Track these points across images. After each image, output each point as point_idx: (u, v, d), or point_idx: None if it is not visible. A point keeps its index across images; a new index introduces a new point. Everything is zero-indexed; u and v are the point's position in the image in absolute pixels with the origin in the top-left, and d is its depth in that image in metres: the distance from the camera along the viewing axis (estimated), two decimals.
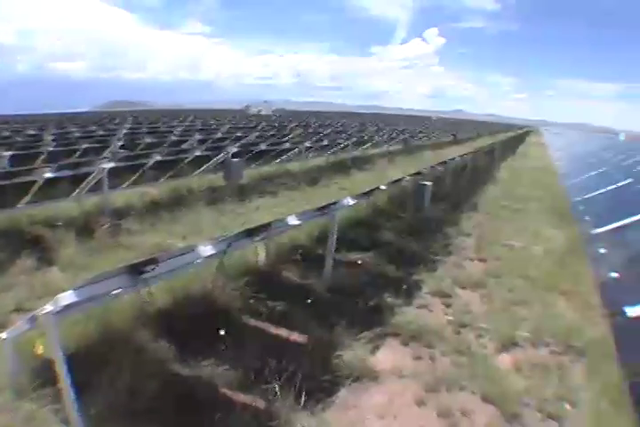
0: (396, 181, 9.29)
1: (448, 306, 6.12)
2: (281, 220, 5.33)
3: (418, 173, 10.68)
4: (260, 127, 28.82)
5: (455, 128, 58.71)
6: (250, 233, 4.88)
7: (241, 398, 4.02)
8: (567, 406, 4.28)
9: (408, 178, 9.85)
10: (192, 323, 4.76)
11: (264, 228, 5.01)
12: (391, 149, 27.11)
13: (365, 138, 24.70)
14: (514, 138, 47.49)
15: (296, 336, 5.05)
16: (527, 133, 75.69)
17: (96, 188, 9.03)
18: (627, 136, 73.53)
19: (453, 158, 14.99)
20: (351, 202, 6.64)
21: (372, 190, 7.71)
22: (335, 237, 6.26)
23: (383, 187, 8.14)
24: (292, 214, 5.49)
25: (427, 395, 4.31)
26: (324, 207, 5.93)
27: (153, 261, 3.60)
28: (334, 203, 6.14)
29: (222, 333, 4.63)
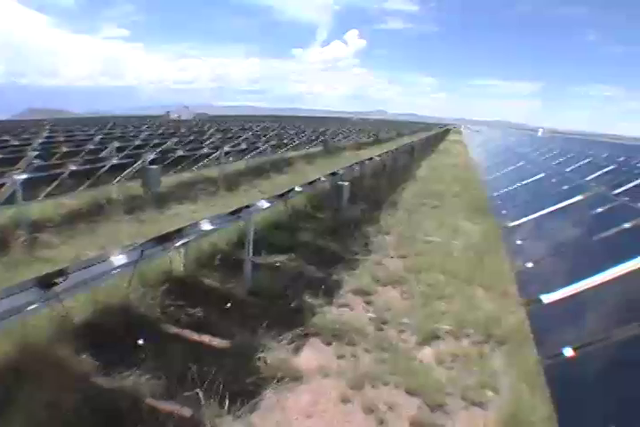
0: (312, 182, 9.29)
1: (369, 304, 6.13)
2: (194, 225, 5.19)
3: (334, 174, 10.71)
4: (179, 133, 28.32)
5: (376, 128, 59.51)
6: (162, 240, 4.72)
7: (165, 406, 3.88)
8: (489, 393, 4.39)
9: (324, 179, 9.87)
10: (112, 334, 4.58)
11: (176, 234, 4.86)
12: (311, 151, 27.16)
13: (285, 141, 24.61)
14: (434, 136, 48.54)
15: (217, 341, 4.94)
16: (447, 132, 77.56)
17: (10, 200, 8.56)
18: (543, 132, 76.60)
19: (371, 158, 15.13)
20: (266, 205, 6.57)
21: (286, 192, 7.67)
22: (252, 240, 6.17)
23: (298, 188, 8.12)
24: (204, 219, 5.37)
25: (352, 392, 4.29)
26: (237, 211, 5.84)
27: (62, 272, 3.42)
28: (248, 206, 6.05)
29: (141, 342, 4.47)
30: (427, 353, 5.03)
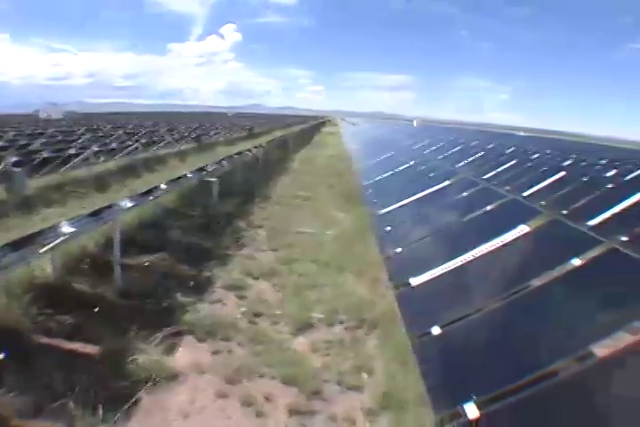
0: (177, 178, 9.10)
1: (242, 298, 6.05)
2: (52, 228, 4.89)
3: (202, 169, 10.54)
4: (47, 133, 26.70)
5: (252, 123, 59.07)
6: (21, 245, 4.42)
7: (34, 425, 3.61)
8: (364, 375, 4.46)
9: (190, 175, 9.69)
10: None
11: (32, 238, 4.56)
12: (183, 147, 26.47)
13: (156, 138, 23.89)
14: (310, 129, 48.74)
15: (89, 348, 4.66)
16: (324, 124, 78.24)
17: None
18: (418, 122, 79.41)
19: (240, 153, 15.01)
20: (129, 204, 6.34)
21: (149, 190, 7.46)
22: (120, 241, 5.91)
23: (163, 186, 7.91)
24: (65, 222, 5.09)
25: (229, 387, 4.21)
26: (98, 211, 5.59)
27: None
28: (110, 206, 5.81)
29: (1, 357, 4.14)
30: (301, 342, 5.04)
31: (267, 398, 4.08)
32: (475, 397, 3.28)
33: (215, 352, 4.76)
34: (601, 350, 3.24)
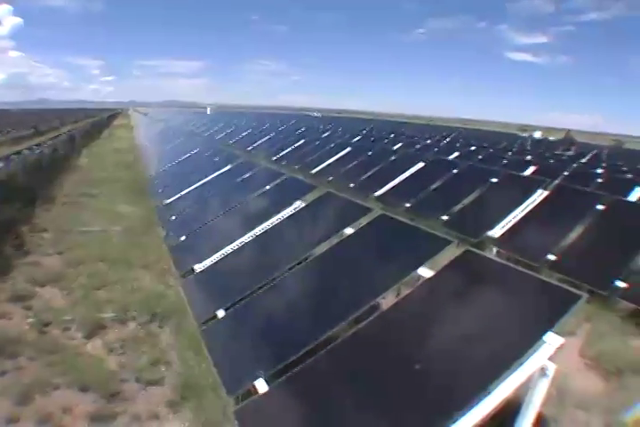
0: None
1: (29, 309, 5.72)
2: None
3: None
4: None
5: (37, 119, 54.65)
6: None
7: None
8: (162, 368, 4.53)
9: None
10: None
11: None
12: None
13: None
14: (100, 122, 46.51)
15: None
16: (115, 116, 74.63)
17: None
18: (211, 109, 78.85)
19: (19, 152, 14.02)
20: None
21: None
22: None
23: None
24: None
25: (20, 408, 3.99)
26: None
27: None
28: None
29: None
30: (95, 345, 4.93)
31: (64, 410, 3.96)
32: (263, 372, 3.48)
33: (2, 373, 4.51)
34: (384, 302, 3.66)
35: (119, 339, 5.01)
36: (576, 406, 4.31)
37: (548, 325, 2.66)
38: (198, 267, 5.63)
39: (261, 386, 3.39)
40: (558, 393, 4.36)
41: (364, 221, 4.78)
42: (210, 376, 4.01)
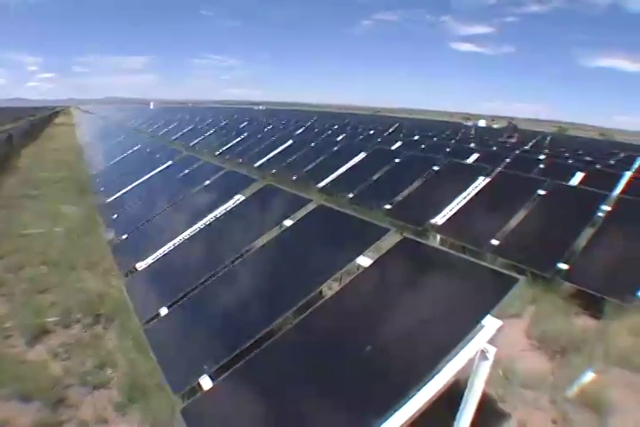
0: None
1: None
2: None
3: None
4: None
5: None
6: None
7: None
8: (109, 371, 4.45)
9: None
10: None
11: None
12: None
13: None
14: (40, 121, 45.30)
15: None
16: (56, 114, 72.84)
17: None
18: (155, 104, 78.12)
19: None
20: None
21: None
22: None
23: None
24: None
25: None
26: None
27: None
28: None
29: None
30: (38, 352, 4.79)
31: (7, 423, 3.83)
32: (207, 368, 3.45)
33: None
34: (328, 292, 3.66)
35: (63, 343, 4.88)
36: (522, 385, 4.41)
37: (487, 309, 2.68)
38: (140, 265, 5.54)
39: (206, 383, 3.35)
40: (505, 374, 4.47)
41: (303, 212, 4.80)
42: (156, 376, 3.94)
